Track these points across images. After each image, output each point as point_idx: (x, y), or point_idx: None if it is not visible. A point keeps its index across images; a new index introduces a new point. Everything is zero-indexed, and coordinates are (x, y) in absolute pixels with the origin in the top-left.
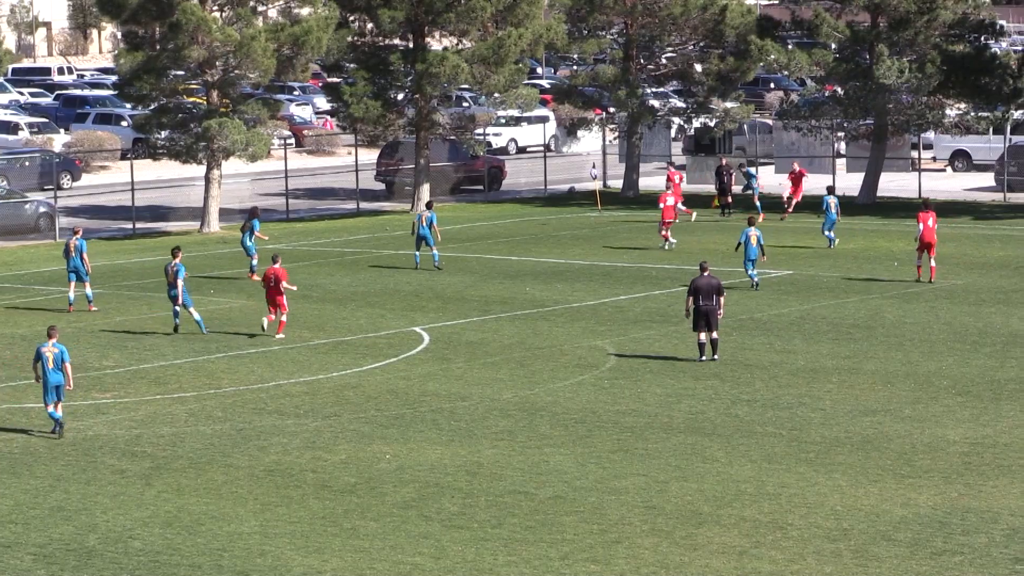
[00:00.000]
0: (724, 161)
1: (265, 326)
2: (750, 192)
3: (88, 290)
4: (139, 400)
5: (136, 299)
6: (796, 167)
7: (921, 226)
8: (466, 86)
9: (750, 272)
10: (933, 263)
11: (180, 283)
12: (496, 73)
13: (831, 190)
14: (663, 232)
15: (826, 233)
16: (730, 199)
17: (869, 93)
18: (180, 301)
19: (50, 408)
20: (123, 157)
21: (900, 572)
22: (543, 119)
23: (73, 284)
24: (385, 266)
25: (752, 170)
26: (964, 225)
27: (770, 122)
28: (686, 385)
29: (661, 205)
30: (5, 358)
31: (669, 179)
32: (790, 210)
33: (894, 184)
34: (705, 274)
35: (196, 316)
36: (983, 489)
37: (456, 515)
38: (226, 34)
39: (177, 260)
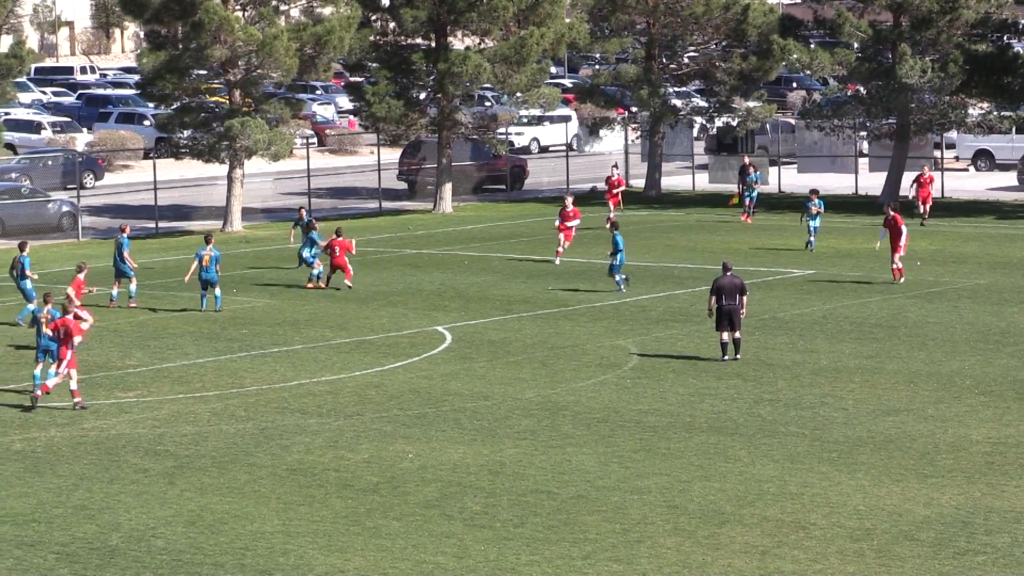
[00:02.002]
0: (747, 160)
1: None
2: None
3: (132, 286)
4: (162, 399)
5: (159, 298)
6: (926, 170)
7: (887, 231)
8: (488, 85)
9: (620, 277)
10: (900, 264)
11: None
12: (518, 72)
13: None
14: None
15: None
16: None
17: (891, 92)
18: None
19: (37, 369)
20: (146, 156)
21: (923, 572)
22: (565, 118)
23: (118, 282)
24: (407, 265)
25: (756, 174)
26: (987, 225)
27: (792, 121)
28: (708, 384)
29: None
30: (28, 356)
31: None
32: (927, 216)
33: None
34: (728, 274)
35: (218, 292)
36: (1006, 489)
37: (478, 514)
38: (248, 33)
39: (211, 246)
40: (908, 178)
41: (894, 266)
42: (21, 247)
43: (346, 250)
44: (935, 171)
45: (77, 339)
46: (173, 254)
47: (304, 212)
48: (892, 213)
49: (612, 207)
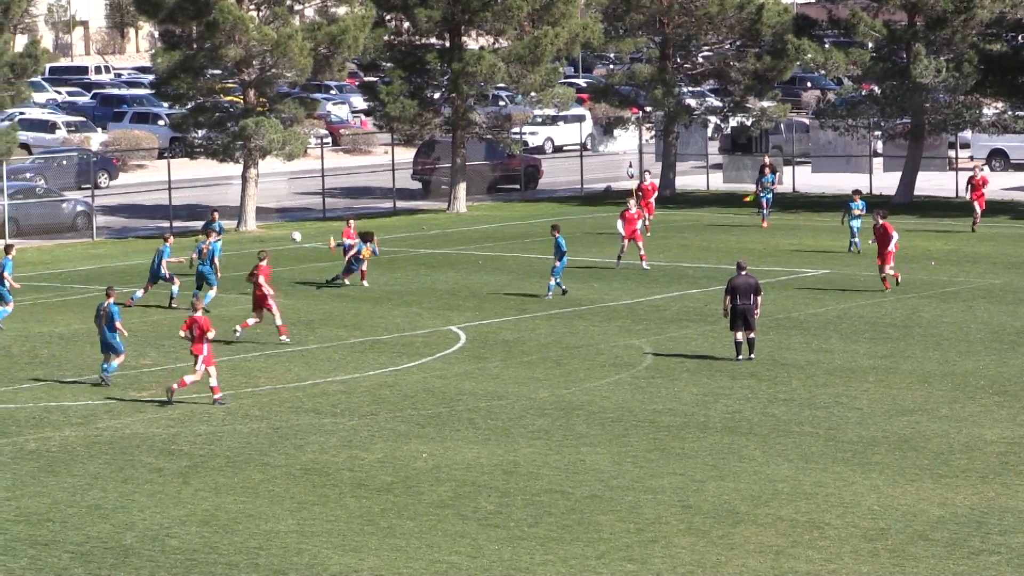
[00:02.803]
0: (767, 160)
1: (239, 331)
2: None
3: (175, 288)
4: (176, 399)
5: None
6: (978, 171)
7: (896, 235)
8: (502, 85)
9: (557, 281)
10: (890, 271)
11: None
12: (532, 72)
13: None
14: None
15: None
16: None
17: (906, 92)
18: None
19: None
20: (160, 156)
21: (937, 572)
22: (579, 118)
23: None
24: (421, 265)
25: (771, 176)
26: (1002, 224)
27: (807, 121)
28: (723, 384)
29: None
30: (42, 356)
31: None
32: (978, 219)
33: (931, 183)
34: (742, 273)
35: (211, 293)
36: (1020, 489)
37: (492, 514)
38: (263, 33)
39: (211, 239)
40: (923, 178)
41: (883, 275)
42: (7, 250)
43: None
44: (949, 171)
45: (210, 334)
46: (187, 254)
47: (216, 216)
48: (881, 221)
49: (648, 215)
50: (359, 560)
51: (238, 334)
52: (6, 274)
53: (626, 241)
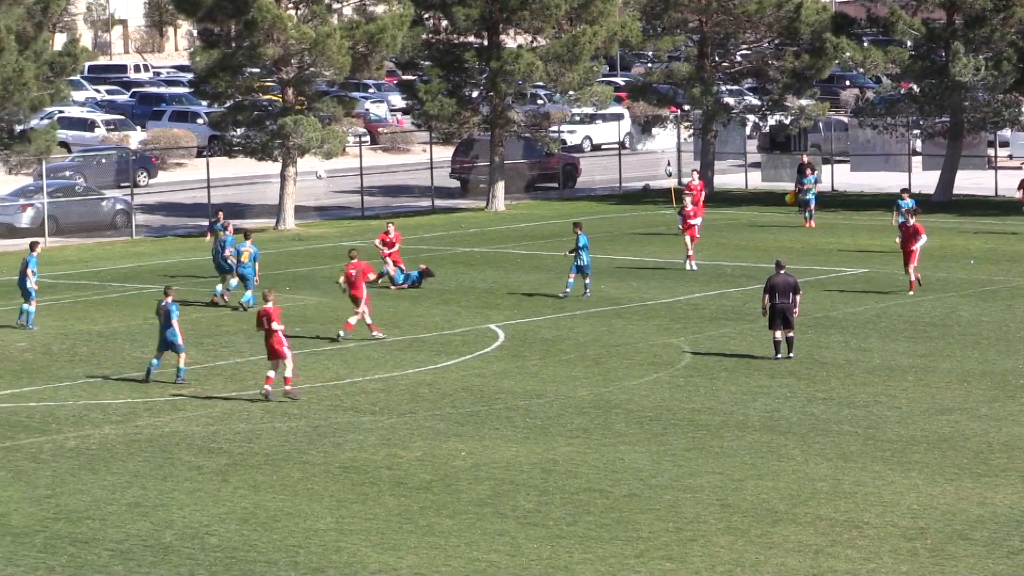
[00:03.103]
0: (806, 158)
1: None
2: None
3: (232, 282)
4: (215, 397)
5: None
6: None
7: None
8: (541, 84)
9: (572, 283)
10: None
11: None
12: (571, 71)
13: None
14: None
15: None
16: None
17: (945, 91)
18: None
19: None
20: (199, 154)
21: (977, 571)
22: (618, 117)
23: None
24: (460, 263)
25: (813, 175)
26: None
27: (845, 120)
28: (762, 383)
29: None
30: (83, 354)
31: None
32: None
33: (970, 182)
34: (781, 272)
35: (249, 295)
36: None
37: (531, 512)
38: (301, 32)
39: (250, 242)
40: (962, 176)
41: (914, 276)
42: (32, 246)
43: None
44: (988, 169)
45: (276, 325)
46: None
47: (222, 216)
48: (912, 221)
49: (690, 243)
50: (398, 558)
51: (343, 336)
52: (30, 271)
53: (687, 238)
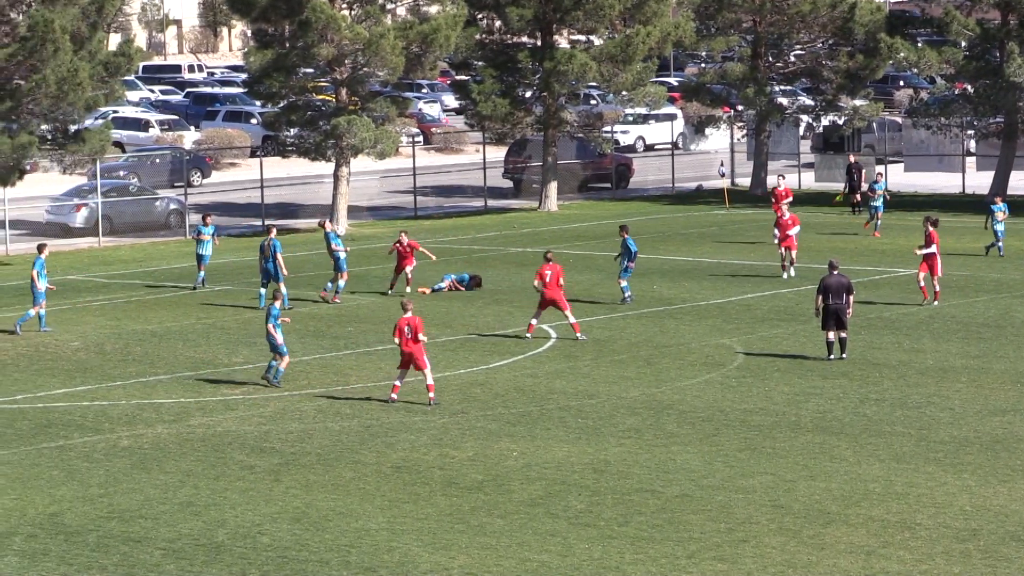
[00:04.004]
0: (854, 159)
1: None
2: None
3: (283, 289)
4: (268, 396)
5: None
6: None
7: (934, 247)
8: (594, 84)
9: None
10: (937, 285)
11: (279, 257)
12: (624, 71)
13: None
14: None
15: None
16: (859, 197)
17: (999, 91)
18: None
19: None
20: (252, 154)
21: None
22: (671, 117)
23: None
24: (512, 263)
25: (883, 182)
26: None
27: (899, 120)
28: (814, 384)
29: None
30: (136, 354)
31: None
32: None
33: None
34: (835, 272)
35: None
36: None
37: (583, 513)
38: (355, 32)
39: (272, 236)
40: (1016, 177)
41: (936, 288)
42: (39, 249)
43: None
44: None
45: (422, 336)
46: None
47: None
48: (930, 229)
49: (790, 251)
50: (449, 558)
51: (529, 337)
52: (34, 272)
53: (782, 248)
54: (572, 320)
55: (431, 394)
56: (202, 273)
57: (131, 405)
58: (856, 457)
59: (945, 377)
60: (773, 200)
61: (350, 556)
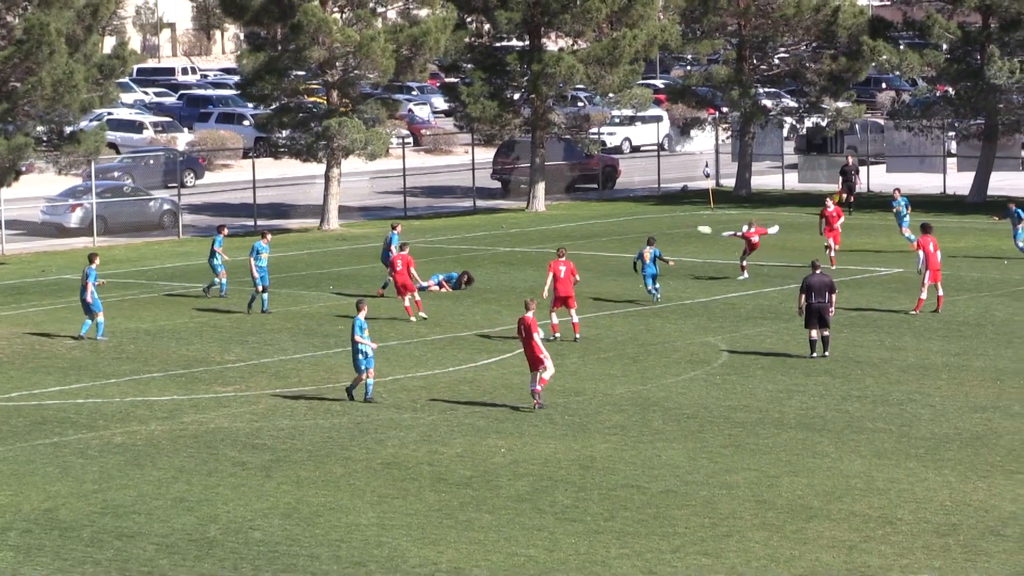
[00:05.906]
0: (850, 160)
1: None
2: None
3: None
4: (259, 394)
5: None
6: None
7: (922, 253)
8: (581, 86)
9: (650, 288)
10: (941, 291)
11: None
12: (611, 73)
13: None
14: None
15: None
16: (852, 198)
17: (980, 93)
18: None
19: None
20: (245, 156)
21: (1009, 567)
22: (657, 119)
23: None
24: (501, 263)
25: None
26: None
27: (881, 122)
28: (797, 381)
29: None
30: (129, 352)
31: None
32: None
33: (1005, 183)
34: (817, 272)
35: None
36: None
37: (569, 508)
38: (346, 35)
39: (265, 242)
40: (996, 178)
41: (939, 293)
42: (90, 258)
43: (408, 267)
44: (1023, 171)
45: (536, 335)
46: (272, 252)
47: (225, 230)
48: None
49: (833, 244)
50: (438, 553)
51: (556, 336)
52: (89, 284)
53: (831, 241)
54: (575, 320)
55: (538, 386)
56: (223, 280)
57: (125, 402)
58: (838, 453)
59: (926, 374)
60: (825, 223)
61: (340, 551)
